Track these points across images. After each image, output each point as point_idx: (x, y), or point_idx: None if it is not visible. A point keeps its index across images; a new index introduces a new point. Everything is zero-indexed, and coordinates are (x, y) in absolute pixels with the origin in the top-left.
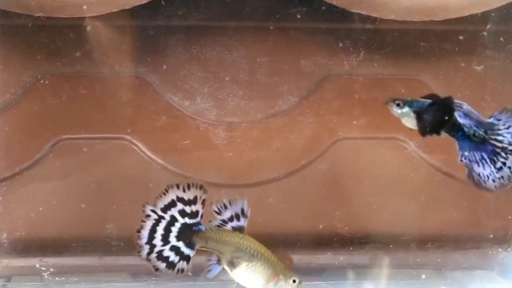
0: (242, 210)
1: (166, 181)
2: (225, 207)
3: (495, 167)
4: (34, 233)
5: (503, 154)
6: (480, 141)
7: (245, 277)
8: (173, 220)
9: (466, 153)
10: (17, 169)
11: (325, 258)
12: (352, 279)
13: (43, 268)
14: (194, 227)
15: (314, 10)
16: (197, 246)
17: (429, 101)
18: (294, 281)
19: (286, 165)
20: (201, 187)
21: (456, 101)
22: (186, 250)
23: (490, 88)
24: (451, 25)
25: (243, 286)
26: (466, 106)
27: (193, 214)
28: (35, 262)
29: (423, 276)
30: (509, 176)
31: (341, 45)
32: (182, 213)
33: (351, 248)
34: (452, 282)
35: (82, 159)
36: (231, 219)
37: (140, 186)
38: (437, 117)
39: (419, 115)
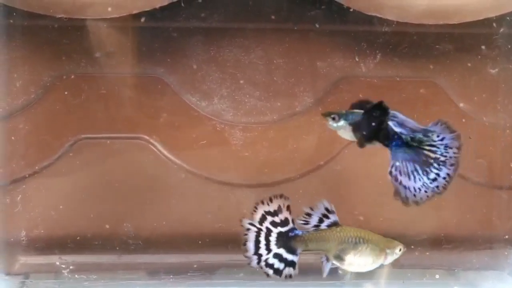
0: (326, 209)
1: (183, 180)
2: (309, 215)
3: (428, 178)
4: (53, 231)
5: (435, 165)
6: (416, 147)
7: (357, 265)
8: (269, 231)
9: (397, 164)
10: (37, 168)
11: None
12: (365, 278)
13: (63, 266)
14: (290, 233)
15: (331, 12)
16: (299, 251)
17: (362, 111)
18: (400, 250)
19: (301, 165)
20: (281, 196)
21: (389, 111)
22: (289, 256)
23: (505, 91)
24: (466, 28)
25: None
26: (400, 116)
27: (284, 222)
28: (54, 260)
29: (437, 276)
30: (444, 185)
31: (357, 47)
32: (274, 224)
33: None
34: (465, 282)
35: (100, 159)
36: (320, 221)
37: (157, 185)
38: (371, 126)
39: (354, 127)
